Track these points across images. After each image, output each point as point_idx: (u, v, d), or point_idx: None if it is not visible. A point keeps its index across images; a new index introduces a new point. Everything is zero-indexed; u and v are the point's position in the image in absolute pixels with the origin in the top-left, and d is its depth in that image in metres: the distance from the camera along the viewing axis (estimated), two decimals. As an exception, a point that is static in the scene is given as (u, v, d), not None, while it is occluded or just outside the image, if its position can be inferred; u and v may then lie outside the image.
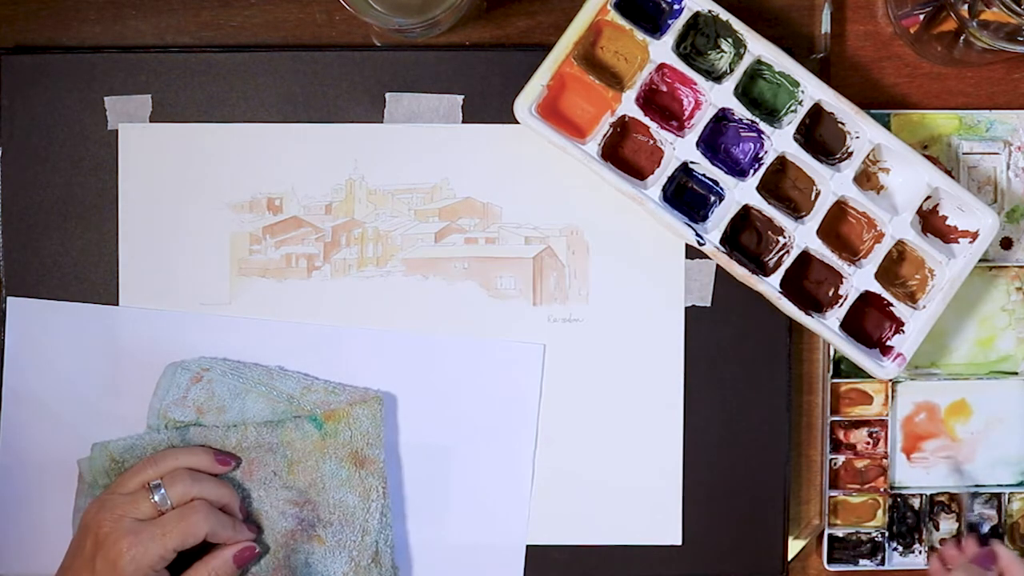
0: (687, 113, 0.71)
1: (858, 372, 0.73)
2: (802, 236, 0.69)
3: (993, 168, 0.74)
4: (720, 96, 0.69)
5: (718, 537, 0.73)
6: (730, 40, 0.70)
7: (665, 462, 0.73)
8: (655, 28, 0.70)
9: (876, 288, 0.70)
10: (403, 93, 0.72)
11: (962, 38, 0.69)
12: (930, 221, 0.72)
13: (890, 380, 0.74)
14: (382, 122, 0.72)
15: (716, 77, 0.70)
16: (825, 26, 0.73)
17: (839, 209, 0.71)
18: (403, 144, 0.72)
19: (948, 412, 0.75)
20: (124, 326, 0.71)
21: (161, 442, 0.69)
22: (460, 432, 0.72)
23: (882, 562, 0.74)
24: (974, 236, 0.70)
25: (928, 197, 0.70)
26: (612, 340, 0.73)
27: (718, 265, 0.71)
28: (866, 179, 0.72)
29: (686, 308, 0.73)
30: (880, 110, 0.73)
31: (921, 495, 0.75)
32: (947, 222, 0.72)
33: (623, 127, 0.71)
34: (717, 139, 0.72)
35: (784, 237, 0.70)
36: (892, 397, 0.74)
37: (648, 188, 0.69)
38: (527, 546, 0.73)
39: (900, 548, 0.75)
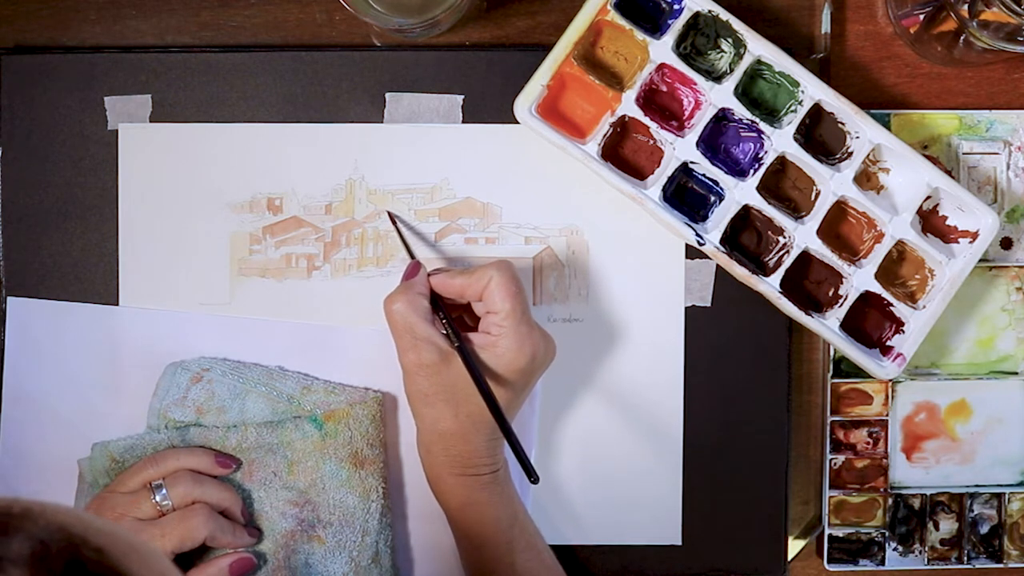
0: (687, 113, 0.71)
1: (858, 372, 0.73)
2: (802, 236, 0.69)
3: (993, 168, 0.74)
4: (720, 96, 0.69)
5: (718, 537, 0.73)
6: (730, 40, 0.70)
7: (665, 462, 0.73)
8: (655, 28, 0.70)
9: (876, 288, 0.70)
10: (403, 93, 0.72)
11: (962, 38, 0.69)
12: (930, 221, 0.72)
13: (890, 380, 0.74)
14: (382, 122, 0.72)
15: (716, 77, 0.70)
16: (825, 26, 0.73)
17: (839, 209, 0.71)
18: (403, 144, 0.72)
19: (948, 412, 0.75)
20: (124, 326, 0.71)
21: (161, 442, 0.69)
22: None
23: (882, 562, 0.74)
24: (974, 236, 0.70)
25: (928, 197, 0.70)
26: (612, 340, 0.73)
27: (718, 265, 0.71)
28: (866, 179, 0.72)
29: (686, 308, 0.73)
30: (880, 110, 0.73)
31: (921, 495, 0.75)
32: (947, 222, 0.72)
33: (623, 127, 0.71)
34: (717, 139, 0.72)
35: (784, 237, 0.70)
36: (892, 397, 0.74)
37: (648, 188, 0.69)
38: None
39: (900, 548, 0.75)
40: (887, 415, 0.74)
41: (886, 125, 0.72)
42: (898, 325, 0.70)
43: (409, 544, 0.73)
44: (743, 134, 0.71)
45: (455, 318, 0.68)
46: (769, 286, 0.69)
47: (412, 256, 0.69)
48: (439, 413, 0.64)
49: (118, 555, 0.37)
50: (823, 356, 0.74)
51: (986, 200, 0.73)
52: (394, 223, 0.71)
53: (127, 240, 0.71)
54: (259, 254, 0.72)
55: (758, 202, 0.69)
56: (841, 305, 0.70)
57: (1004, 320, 0.75)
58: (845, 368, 0.74)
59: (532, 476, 0.62)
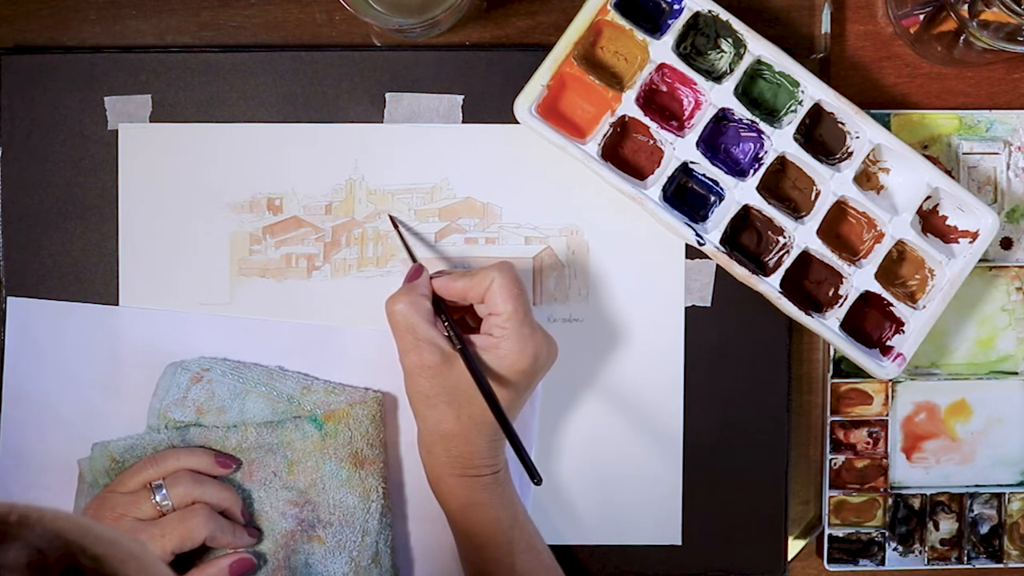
0: (687, 113, 0.71)
1: (858, 372, 0.73)
2: (802, 236, 0.69)
3: (993, 168, 0.74)
4: (720, 96, 0.69)
5: (718, 537, 0.73)
6: (730, 40, 0.70)
7: (665, 462, 0.73)
8: (655, 28, 0.70)
9: (876, 288, 0.70)
10: (403, 93, 0.72)
11: (962, 38, 0.69)
12: (930, 221, 0.72)
13: (890, 380, 0.74)
14: (382, 122, 0.72)
15: (716, 77, 0.70)
16: (825, 26, 0.73)
17: (839, 209, 0.71)
18: (403, 144, 0.72)
19: (948, 412, 0.75)
20: (124, 326, 0.71)
21: (161, 442, 0.69)
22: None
23: (882, 562, 0.74)
24: (974, 236, 0.70)
25: (928, 197, 0.70)
26: (612, 340, 0.73)
27: (718, 265, 0.71)
28: (866, 179, 0.72)
29: (686, 308, 0.73)
30: (880, 110, 0.73)
31: (921, 495, 0.75)
32: (947, 222, 0.72)
33: (623, 127, 0.71)
34: (717, 139, 0.72)
35: (784, 237, 0.70)
36: (892, 397, 0.74)
37: (648, 188, 0.69)
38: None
39: (900, 548, 0.75)
40: (887, 415, 0.74)
41: (886, 125, 0.72)
42: (898, 325, 0.70)
43: (409, 544, 0.73)
44: (743, 134, 0.71)
45: (457, 320, 0.68)
46: (769, 286, 0.69)
47: (414, 259, 0.69)
48: (441, 415, 0.64)
49: (116, 563, 0.37)
50: (823, 356, 0.74)
51: (986, 200, 0.73)
52: (395, 227, 0.71)
53: (127, 240, 0.71)
54: (259, 254, 0.72)
55: (758, 202, 0.69)
56: (841, 305, 0.70)
57: (1004, 320, 0.75)
58: (845, 368, 0.74)
59: (535, 478, 0.62)
